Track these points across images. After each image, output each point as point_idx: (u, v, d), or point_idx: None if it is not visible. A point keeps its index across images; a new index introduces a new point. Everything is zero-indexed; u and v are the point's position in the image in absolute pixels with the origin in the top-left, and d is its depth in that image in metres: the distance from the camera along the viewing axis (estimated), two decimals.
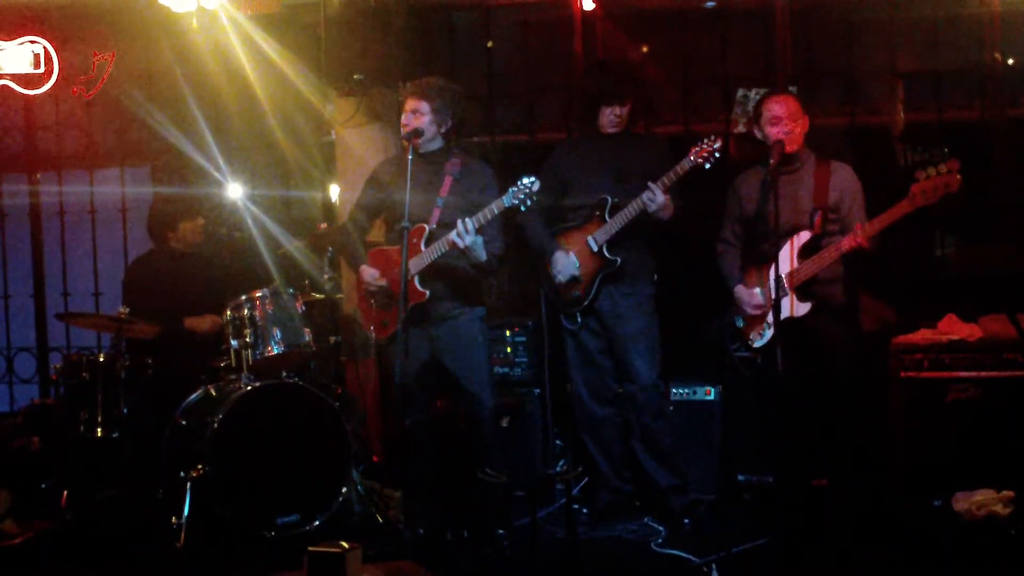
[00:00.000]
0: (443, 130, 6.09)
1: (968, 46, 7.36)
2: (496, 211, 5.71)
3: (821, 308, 5.70)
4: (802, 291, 5.67)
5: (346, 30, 7.69)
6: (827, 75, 7.65)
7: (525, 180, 5.62)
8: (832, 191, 5.73)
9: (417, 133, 5.93)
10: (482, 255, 5.81)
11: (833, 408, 5.76)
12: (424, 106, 6.01)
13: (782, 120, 5.73)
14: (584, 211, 6.37)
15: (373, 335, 6.25)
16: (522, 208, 5.68)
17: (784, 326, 5.52)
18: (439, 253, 5.85)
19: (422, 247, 5.92)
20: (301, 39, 7.77)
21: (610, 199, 6.23)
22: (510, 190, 5.66)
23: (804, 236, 5.69)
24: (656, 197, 5.95)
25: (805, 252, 5.67)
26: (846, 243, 5.51)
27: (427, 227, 5.95)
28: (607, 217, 6.23)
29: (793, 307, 5.67)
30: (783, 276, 5.60)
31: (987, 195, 7.20)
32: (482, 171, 6.16)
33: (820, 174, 5.77)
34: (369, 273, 6.10)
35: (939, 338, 6.33)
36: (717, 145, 5.87)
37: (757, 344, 5.90)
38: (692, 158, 5.90)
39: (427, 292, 5.93)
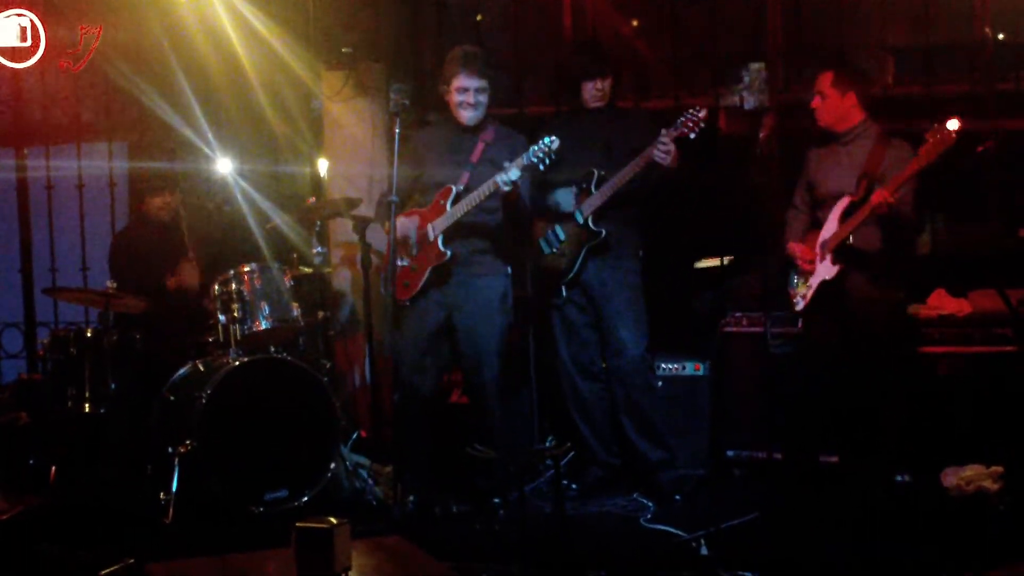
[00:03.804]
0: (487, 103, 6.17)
1: (959, 21, 7.34)
2: (525, 162, 5.75)
3: (854, 271, 5.73)
4: (837, 254, 5.71)
5: (335, 3, 7.66)
6: (817, 49, 7.62)
7: (545, 139, 5.71)
8: (884, 163, 5.75)
9: (396, 112, 5.89)
10: (526, 194, 5.94)
11: (862, 375, 5.78)
12: (486, 84, 6.08)
13: (813, 97, 5.95)
14: (572, 185, 6.36)
15: (394, 297, 6.21)
16: (541, 167, 5.74)
17: (820, 289, 5.74)
18: (476, 203, 5.89)
19: (448, 207, 5.96)
20: (290, 12, 7.72)
21: (597, 172, 6.24)
22: (531, 148, 5.74)
23: (844, 201, 5.75)
24: (670, 146, 5.95)
25: (846, 217, 5.73)
26: (874, 198, 5.52)
27: (454, 188, 6.00)
28: (594, 189, 6.23)
29: (827, 270, 5.75)
30: (825, 240, 5.75)
31: (976, 172, 7.18)
32: (515, 138, 6.22)
33: (878, 147, 5.81)
34: (405, 221, 6.08)
35: (928, 313, 6.33)
36: (701, 115, 5.94)
37: (799, 306, 5.98)
38: (677, 128, 5.95)
39: (448, 253, 5.97)
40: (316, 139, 8.22)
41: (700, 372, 6.78)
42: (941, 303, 6.37)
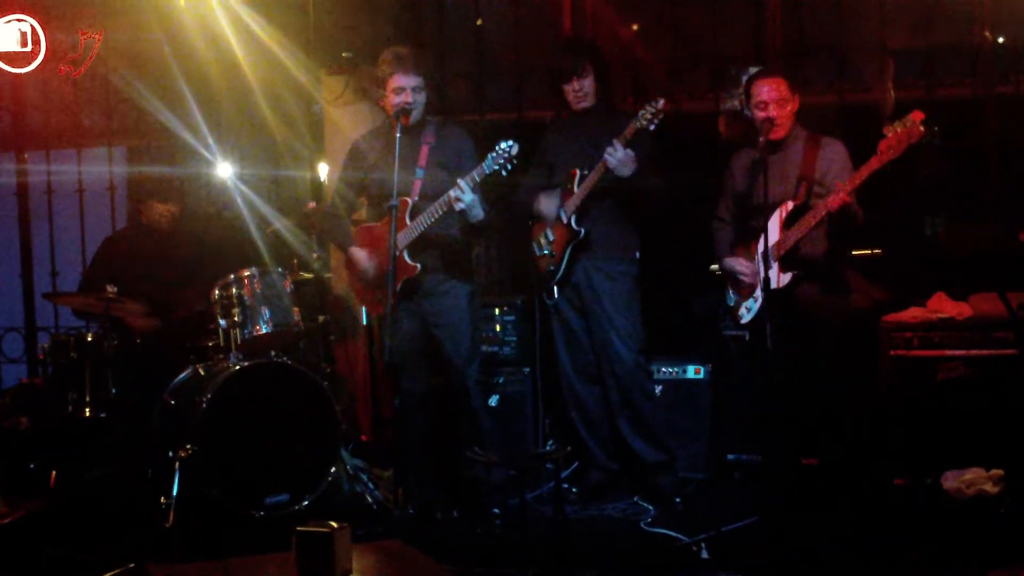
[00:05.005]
0: (425, 101, 6.11)
1: (959, 23, 7.33)
2: (478, 178, 5.71)
3: (805, 278, 5.69)
4: (786, 261, 5.67)
5: (335, 8, 7.66)
6: (817, 52, 7.61)
7: (503, 144, 5.65)
8: (819, 164, 5.74)
9: (407, 111, 5.92)
10: (480, 212, 5.86)
11: (821, 380, 5.76)
12: (421, 81, 6.03)
13: (768, 105, 5.79)
14: (560, 187, 6.36)
15: (367, 312, 6.25)
16: (503, 173, 5.69)
17: (770, 298, 5.56)
18: (433, 219, 5.86)
19: (407, 220, 5.93)
20: (290, 17, 7.73)
21: (580, 171, 6.22)
22: (489, 156, 5.68)
23: (788, 206, 5.71)
24: (616, 152, 5.92)
25: (789, 222, 5.68)
26: (832, 201, 5.48)
27: (410, 200, 5.96)
28: (576, 189, 6.23)
29: (778, 278, 5.68)
30: (770, 248, 5.62)
31: (977, 173, 7.18)
32: (457, 135, 6.20)
33: (809, 149, 5.79)
34: (359, 255, 6.11)
35: (929, 316, 6.32)
36: (660, 105, 5.87)
37: (745, 319, 5.90)
38: (638, 119, 5.90)
39: (418, 265, 5.95)
40: (316, 144, 8.24)
41: (700, 376, 6.78)
42: (941, 306, 6.36)
